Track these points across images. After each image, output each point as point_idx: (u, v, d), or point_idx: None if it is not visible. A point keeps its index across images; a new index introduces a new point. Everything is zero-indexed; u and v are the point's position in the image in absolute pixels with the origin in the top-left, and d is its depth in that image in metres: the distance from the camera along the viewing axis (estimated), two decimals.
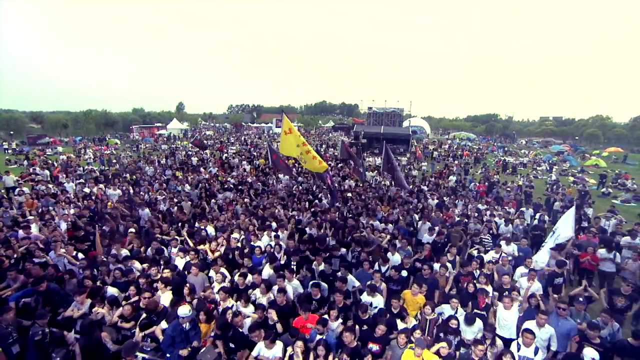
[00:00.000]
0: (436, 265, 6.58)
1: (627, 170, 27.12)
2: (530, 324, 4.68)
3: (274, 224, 8.61)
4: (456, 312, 5.16)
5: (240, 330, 4.71)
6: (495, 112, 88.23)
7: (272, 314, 4.82)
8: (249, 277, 5.91)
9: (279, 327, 4.79)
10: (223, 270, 6.13)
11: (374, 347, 4.45)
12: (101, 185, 13.23)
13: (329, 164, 18.72)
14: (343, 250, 7.34)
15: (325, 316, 4.88)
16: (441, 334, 4.76)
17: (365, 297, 5.46)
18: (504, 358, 4.00)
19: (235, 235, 7.71)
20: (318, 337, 4.49)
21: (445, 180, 17.22)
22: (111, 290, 5.48)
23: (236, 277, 5.81)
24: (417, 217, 9.88)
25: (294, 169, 16.46)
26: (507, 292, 5.56)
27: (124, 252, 6.84)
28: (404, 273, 6.34)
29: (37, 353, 4.23)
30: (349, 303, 5.57)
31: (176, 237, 7.61)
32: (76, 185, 13.68)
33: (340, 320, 4.96)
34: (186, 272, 6.18)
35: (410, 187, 14.21)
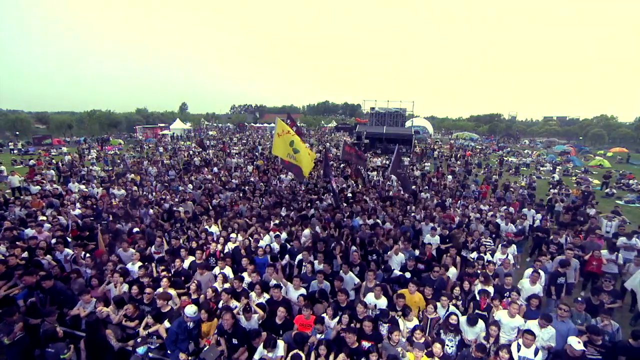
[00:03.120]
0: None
1: (632, 170, 26.90)
2: (531, 324, 4.70)
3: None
4: (447, 310, 5.16)
5: (243, 326, 4.79)
6: (499, 112, 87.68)
7: (281, 311, 4.87)
8: (247, 278, 5.98)
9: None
10: (225, 270, 6.19)
11: (367, 344, 4.48)
12: (104, 187, 13.36)
13: (331, 164, 18.78)
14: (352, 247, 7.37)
15: (323, 314, 4.93)
16: (441, 332, 4.77)
17: (371, 299, 5.47)
18: (500, 353, 4.03)
19: (236, 235, 7.75)
20: (318, 336, 4.54)
21: (444, 180, 17.21)
22: (125, 287, 5.64)
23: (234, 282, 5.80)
24: (419, 217, 9.89)
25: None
26: (507, 293, 5.59)
27: (131, 251, 6.93)
28: (407, 274, 6.37)
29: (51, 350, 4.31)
30: (349, 301, 5.60)
31: (178, 236, 7.69)
32: (80, 185, 13.82)
33: (337, 319, 4.98)
34: (191, 272, 6.25)
35: (413, 187, 14.22)
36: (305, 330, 4.73)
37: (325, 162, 10.71)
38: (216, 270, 6.24)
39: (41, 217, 8.85)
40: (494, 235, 8.68)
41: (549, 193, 15.37)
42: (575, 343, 4.14)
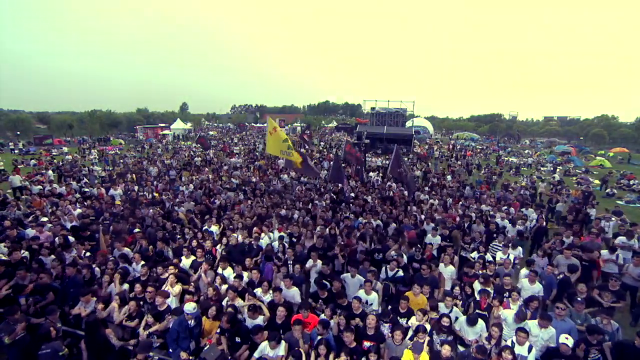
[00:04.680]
0: (441, 265, 6.64)
1: (632, 170, 26.85)
2: (531, 324, 4.72)
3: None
4: (451, 311, 5.16)
5: (246, 324, 4.80)
6: (499, 112, 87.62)
7: (281, 311, 4.88)
8: (245, 277, 6.00)
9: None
10: (225, 272, 6.19)
11: (368, 344, 4.48)
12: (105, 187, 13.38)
13: (331, 164, 18.75)
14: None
15: (323, 316, 4.93)
16: (433, 332, 4.77)
17: (362, 294, 5.50)
18: (504, 354, 4.04)
19: (237, 234, 7.76)
20: (319, 337, 4.54)
21: (444, 180, 17.20)
22: (125, 287, 5.66)
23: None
24: (420, 217, 9.88)
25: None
26: (507, 293, 5.59)
27: (126, 250, 6.95)
28: (400, 273, 6.33)
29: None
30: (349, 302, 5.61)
31: (178, 236, 7.72)
32: (82, 185, 13.86)
33: (335, 319, 4.98)
34: (192, 271, 6.27)
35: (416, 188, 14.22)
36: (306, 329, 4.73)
37: (335, 166, 10.70)
38: (218, 270, 6.24)
39: (43, 218, 8.85)
40: (500, 236, 8.66)
41: (550, 193, 15.30)
42: (564, 339, 4.23)
